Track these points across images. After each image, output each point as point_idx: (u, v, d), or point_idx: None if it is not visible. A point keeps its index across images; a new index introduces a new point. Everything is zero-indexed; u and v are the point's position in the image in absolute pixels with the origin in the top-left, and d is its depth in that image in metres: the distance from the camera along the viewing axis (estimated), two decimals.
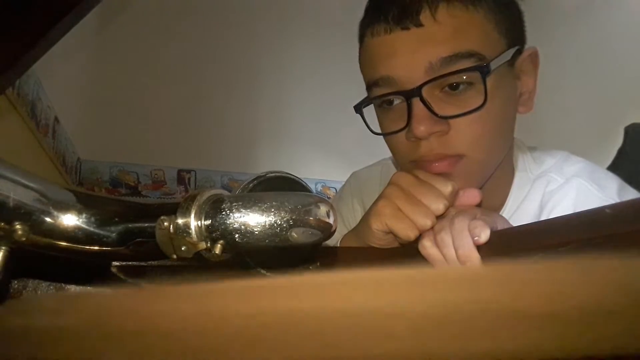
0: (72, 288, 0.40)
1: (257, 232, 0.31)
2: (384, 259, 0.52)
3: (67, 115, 1.76)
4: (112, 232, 0.33)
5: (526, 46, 0.59)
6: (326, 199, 0.36)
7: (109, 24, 1.93)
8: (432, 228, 0.48)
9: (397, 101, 0.55)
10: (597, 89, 2.23)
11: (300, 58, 2.14)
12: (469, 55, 0.52)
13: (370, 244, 0.53)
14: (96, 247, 0.33)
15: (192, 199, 0.33)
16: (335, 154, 2.20)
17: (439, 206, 0.49)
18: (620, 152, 0.95)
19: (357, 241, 0.55)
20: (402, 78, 0.53)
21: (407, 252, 0.51)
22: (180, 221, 0.32)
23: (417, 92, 0.52)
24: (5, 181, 0.30)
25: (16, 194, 0.31)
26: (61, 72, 1.69)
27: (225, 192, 0.34)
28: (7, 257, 0.31)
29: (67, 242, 0.33)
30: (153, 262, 0.42)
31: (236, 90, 2.13)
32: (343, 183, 0.84)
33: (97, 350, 0.14)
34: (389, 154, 0.62)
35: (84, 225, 0.33)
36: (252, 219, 0.31)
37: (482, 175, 0.58)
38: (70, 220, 0.32)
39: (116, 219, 0.34)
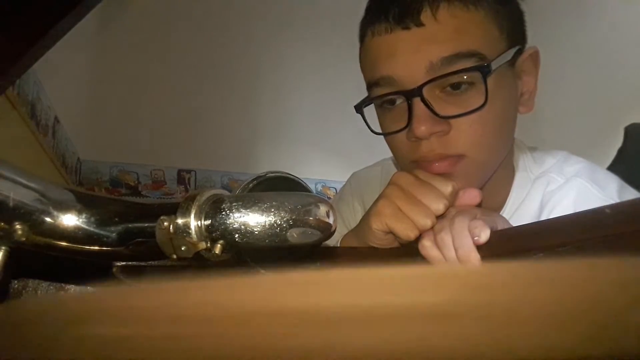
0: (72, 288, 0.40)
1: (257, 232, 0.31)
2: (384, 259, 0.52)
3: (67, 115, 1.76)
4: (112, 232, 0.33)
5: (527, 46, 0.59)
6: (326, 199, 0.36)
7: (109, 24, 1.93)
8: (432, 228, 0.48)
9: (397, 101, 0.55)
10: (597, 89, 2.23)
11: (300, 58, 2.14)
12: (470, 55, 0.52)
13: (370, 244, 0.53)
14: (96, 247, 0.33)
15: (192, 199, 0.33)
16: (335, 154, 2.21)
17: (439, 206, 0.49)
18: (620, 152, 0.95)
19: (357, 241, 0.55)
20: (402, 78, 0.53)
21: (407, 252, 0.51)
22: (180, 221, 0.32)
23: (417, 92, 0.52)
24: (5, 181, 0.30)
25: (16, 194, 0.31)
26: (61, 72, 1.69)
27: (225, 192, 0.34)
28: (7, 257, 0.31)
29: (67, 242, 0.33)
30: (153, 262, 0.42)
31: (236, 90, 2.14)
32: (343, 183, 0.84)
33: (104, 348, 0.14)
34: (389, 154, 0.62)
35: (84, 225, 0.33)
36: (252, 219, 0.31)
37: (483, 175, 0.58)
38: (70, 220, 0.32)
39: (116, 219, 0.34)
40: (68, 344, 0.14)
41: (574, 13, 2.17)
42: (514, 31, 0.56)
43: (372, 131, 0.60)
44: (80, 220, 0.33)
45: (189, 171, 2.18)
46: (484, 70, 0.52)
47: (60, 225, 0.32)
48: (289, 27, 2.10)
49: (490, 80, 0.52)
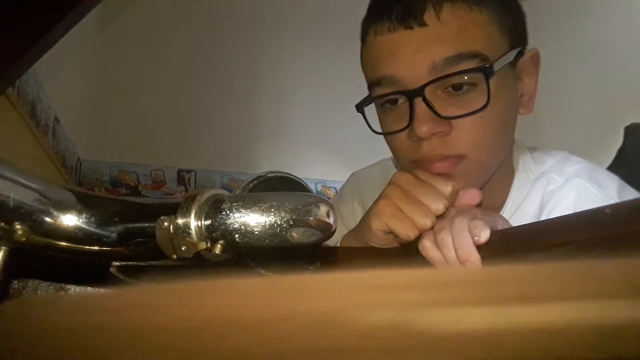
0: (72, 288, 0.40)
1: (257, 232, 0.31)
2: (384, 259, 0.52)
3: (67, 115, 1.76)
4: (112, 232, 0.33)
5: (527, 47, 0.59)
6: (326, 199, 0.36)
7: (109, 24, 1.93)
8: (432, 228, 0.48)
9: (399, 101, 0.55)
10: (597, 89, 2.23)
11: (300, 58, 2.14)
12: (473, 55, 0.52)
13: (370, 244, 0.53)
14: (96, 247, 0.33)
15: (192, 199, 0.33)
16: (335, 154, 2.20)
17: (439, 206, 0.49)
18: (620, 152, 0.95)
19: (357, 241, 0.55)
20: (404, 78, 0.53)
21: (407, 252, 0.51)
22: (180, 221, 0.32)
23: (419, 92, 0.52)
24: (5, 181, 0.30)
25: (16, 194, 0.31)
26: (61, 72, 1.69)
27: (225, 192, 0.34)
28: (7, 257, 0.31)
29: (67, 242, 0.33)
30: (153, 262, 0.42)
31: (236, 91, 2.14)
32: (343, 183, 0.84)
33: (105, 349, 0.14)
34: (389, 153, 0.62)
35: (84, 225, 0.33)
36: (252, 219, 0.31)
37: (483, 176, 0.58)
38: (70, 220, 0.32)
39: (116, 219, 0.33)
40: (69, 344, 0.14)
41: (574, 14, 2.17)
42: (516, 32, 0.56)
43: (373, 131, 0.60)
44: (80, 220, 0.33)
45: (189, 171, 2.18)
46: (487, 72, 0.52)
47: (60, 225, 0.32)
48: (289, 27, 2.10)
49: (492, 82, 0.52)
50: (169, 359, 0.13)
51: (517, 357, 0.12)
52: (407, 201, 0.50)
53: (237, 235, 0.32)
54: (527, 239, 0.43)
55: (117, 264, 0.42)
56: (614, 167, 0.87)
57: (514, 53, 0.55)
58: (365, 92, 0.60)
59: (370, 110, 0.60)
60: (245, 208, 0.32)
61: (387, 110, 0.57)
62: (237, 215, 0.31)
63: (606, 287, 0.12)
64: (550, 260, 0.13)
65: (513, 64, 0.56)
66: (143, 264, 0.43)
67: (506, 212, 0.62)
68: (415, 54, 0.52)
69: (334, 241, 0.59)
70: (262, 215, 0.31)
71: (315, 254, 0.41)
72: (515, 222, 0.53)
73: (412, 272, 0.13)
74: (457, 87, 0.53)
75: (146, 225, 0.33)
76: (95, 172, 2.07)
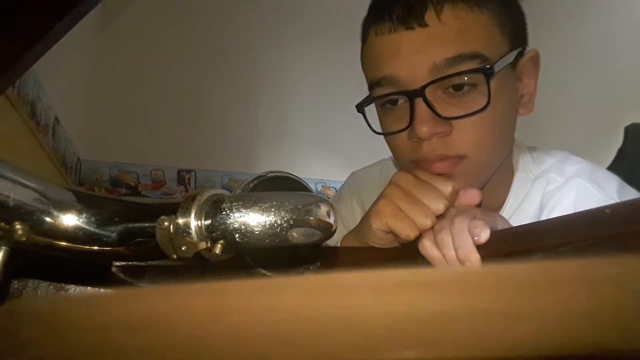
0: (72, 288, 0.40)
1: (257, 232, 0.31)
2: (384, 259, 0.52)
3: (67, 115, 1.76)
4: (112, 232, 0.33)
5: (527, 48, 0.59)
6: (326, 199, 0.36)
7: (109, 24, 1.93)
8: (432, 228, 0.48)
9: (399, 101, 0.55)
10: (597, 89, 2.23)
11: (300, 58, 2.14)
12: (473, 56, 0.52)
13: (371, 244, 0.53)
14: (96, 247, 0.33)
15: (192, 199, 0.33)
16: (335, 154, 2.20)
17: (439, 206, 0.49)
18: (620, 152, 0.95)
19: (357, 241, 0.55)
20: (405, 78, 0.53)
21: (407, 252, 0.51)
22: (180, 221, 0.32)
23: (420, 92, 0.52)
24: (5, 181, 0.30)
25: (16, 194, 0.31)
26: (61, 72, 1.69)
27: (226, 192, 0.34)
28: (7, 257, 0.31)
29: (67, 242, 0.33)
30: (153, 262, 0.42)
31: (236, 91, 2.14)
32: (343, 183, 0.84)
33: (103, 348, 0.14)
34: (389, 153, 0.62)
35: (84, 225, 0.33)
36: (253, 219, 0.31)
37: (483, 176, 0.58)
38: (70, 220, 0.32)
39: (116, 219, 0.33)
40: (69, 345, 0.14)
41: (573, 14, 2.17)
42: (516, 33, 0.56)
43: (373, 131, 0.60)
44: (80, 220, 0.33)
45: (189, 171, 2.18)
46: (487, 72, 0.52)
47: (60, 225, 0.32)
48: (289, 27, 2.10)
49: (492, 82, 0.52)
50: (169, 359, 0.13)
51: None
52: (407, 201, 0.50)
53: (237, 235, 0.31)
54: (527, 239, 0.43)
55: (118, 264, 0.42)
56: (614, 167, 0.87)
57: (514, 54, 0.55)
58: (365, 92, 0.60)
59: (371, 110, 0.60)
60: (246, 208, 0.31)
61: (388, 110, 0.57)
62: (237, 215, 0.31)
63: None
64: (550, 260, 0.13)
65: (513, 64, 0.56)
66: (143, 264, 0.43)
67: (506, 212, 0.62)
68: (416, 54, 0.52)
69: (333, 241, 0.59)
70: (263, 215, 0.31)
71: (316, 254, 0.41)
72: (515, 222, 0.53)
73: (412, 272, 0.13)
74: (458, 88, 0.53)
75: (146, 225, 0.33)
76: (95, 172, 2.07)
